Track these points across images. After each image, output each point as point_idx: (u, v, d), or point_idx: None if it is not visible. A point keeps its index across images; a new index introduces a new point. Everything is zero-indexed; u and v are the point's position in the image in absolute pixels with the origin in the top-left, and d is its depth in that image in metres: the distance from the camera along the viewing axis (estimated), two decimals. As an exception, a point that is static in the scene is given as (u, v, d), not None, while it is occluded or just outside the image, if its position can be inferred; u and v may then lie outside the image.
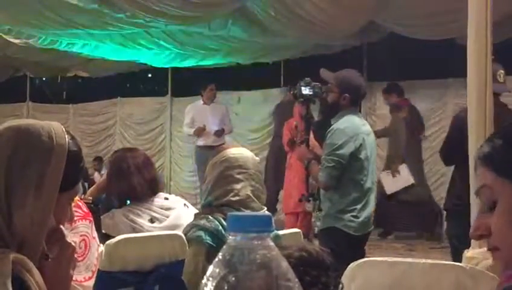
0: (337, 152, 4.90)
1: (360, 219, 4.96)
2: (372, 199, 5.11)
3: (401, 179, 9.68)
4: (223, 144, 9.02)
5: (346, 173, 4.93)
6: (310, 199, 5.26)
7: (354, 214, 4.94)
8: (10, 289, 1.44)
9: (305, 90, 5.46)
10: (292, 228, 5.01)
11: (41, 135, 1.68)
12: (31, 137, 1.67)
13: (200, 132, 10.62)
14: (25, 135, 1.67)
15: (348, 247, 4.75)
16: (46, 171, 1.64)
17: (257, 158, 3.42)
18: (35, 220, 1.60)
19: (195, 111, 10.92)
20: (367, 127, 5.19)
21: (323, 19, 9.05)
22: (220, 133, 10.60)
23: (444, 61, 10.62)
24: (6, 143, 1.65)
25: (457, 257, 4.75)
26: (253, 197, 3.21)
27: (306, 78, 5.53)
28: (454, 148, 5.01)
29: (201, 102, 10.92)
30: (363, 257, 2.84)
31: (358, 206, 4.96)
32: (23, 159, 1.63)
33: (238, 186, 3.19)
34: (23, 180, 1.62)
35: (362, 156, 4.95)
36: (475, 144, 3.28)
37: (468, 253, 3.30)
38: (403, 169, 9.72)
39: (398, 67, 12.04)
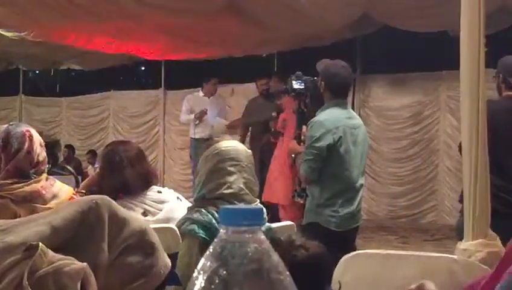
0: (315, 145, 4.86)
1: (341, 214, 4.87)
2: (359, 194, 5.02)
3: None
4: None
5: (326, 167, 4.88)
6: (303, 194, 5.21)
7: (334, 208, 4.86)
8: (79, 289, 1.55)
9: (296, 85, 5.44)
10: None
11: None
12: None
13: (202, 115, 10.57)
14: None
15: (331, 244, 4.69)
16: (153, 271, 1.81)
17: (249, 151, 3.42)
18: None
19: (194, 101, 10.87)
20: (354, 121, 5.10)
21: (316, 11, 9.03)
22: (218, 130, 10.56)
23: (438, 53, 10.63)
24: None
25: None
26: (246, 190, 3.21)
27: (297, 72, 5.50)
28: None
29: (201, 93, 10.88)
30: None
31: (339, 201, 4.88)
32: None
33: (230, 178, 3.20)
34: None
35: (342, 149, 4.87)
36: (468, 136, 3.28)
37: (461, 245, 3.31)
38: None
39: (391, 59, 12.05)
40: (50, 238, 1.65)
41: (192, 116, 10.70)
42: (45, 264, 1.53)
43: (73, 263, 1.56)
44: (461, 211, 5.19)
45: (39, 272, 1.52)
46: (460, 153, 5.43)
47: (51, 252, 1.57)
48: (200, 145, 10.13)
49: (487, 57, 3.37)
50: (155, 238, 1.86)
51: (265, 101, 10.21)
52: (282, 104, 9.48)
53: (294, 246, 2.01)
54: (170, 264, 1.87)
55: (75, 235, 1.70)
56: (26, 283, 1.48)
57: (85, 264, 1.57)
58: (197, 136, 10.65)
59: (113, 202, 1.81)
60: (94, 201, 1.75)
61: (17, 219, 1.88)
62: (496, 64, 5.09)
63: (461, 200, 5.30)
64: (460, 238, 5.03)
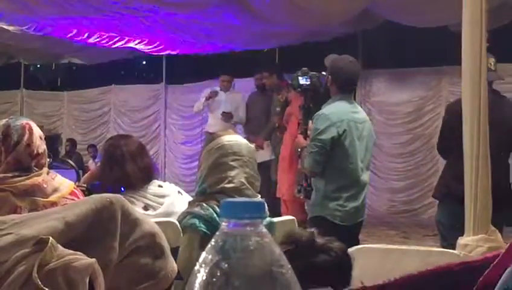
0: (319, 137, 4.88)
1: (347, 208, 4.90)
2: (364, 189, 5.04)
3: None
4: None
5: (330, 160, 4.90)
6: (309, 188, 5.23)
7: (340, 202, 4.89)
8: (87, 284, 1.55)
9: (302, 80, 5.46)
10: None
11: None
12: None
13: (212, 96, 10.62)
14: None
15: (337, 237, 4.71)
16: (162, 274, 1.81)
17: (252, 145, 3.42)
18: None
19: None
20: (360, 115, 5.13)
21: (318, 6, 9.02)
22: (227, 116, 10.54)
23: (439, 48, 10.62)
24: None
25: (444, 243, 4.83)
26: (247, 185, 3.21)
27: (303, 68, 5.52)
28: (446, 141, 5.07)
29: (219, 88, 10.93)
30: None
31: (345, 195, 4.90)
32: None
33: (232, 173, 3.20)
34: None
35: (346, 143, 4.89)
36: (469, 131, 3.28)
37: (461, 240, 3.30)
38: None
39: (393, 54, 12.04)
40: (62, 234, 1.66)
41: (203, 100, 10.73)
42: (55, 259, 1.55)
43: (82, 258, 1.57)
44: (439, 206, 5.26)
45: (48, 266, 1.53)
46: (440, 153, 5.50)
47: (60, 247, 1.59)
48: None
49: (489, 52, 3.37)
50: (165, 242, 1.87)
51: (261, 95, 10.29)
52: (283, 98, 9.52)
53: (315, 248, 1.99)
54: (176, 269, 1.88)
55: (87, 232, 1.71)
56: (36, 275, 1.49)
57: (94, 260, 1.58)
58: (210, 130, 10.63)
59: (127, 202, 1.82)
60: (108, 199, 1.77)
61: (31, 213, 1.90)
62: (498, 59, 5.10)
63: (435, 196, 5.38)
64: (442, 232, 5.11)
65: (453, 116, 4.93)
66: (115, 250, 1.70)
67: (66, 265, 1.54)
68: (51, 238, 1.57)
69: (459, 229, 4.29)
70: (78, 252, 1.59)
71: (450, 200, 4.92)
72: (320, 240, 2.02)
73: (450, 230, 4.81)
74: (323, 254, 1.97)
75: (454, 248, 3.08)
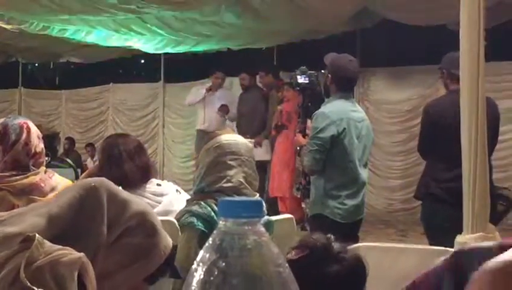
0: (319, 135, 4.89)
1: (347, 207, 4.91)
2: (363, 187, 5.06)
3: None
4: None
5: (330, 158, 4.91)
6: (308, 187, 5.24)
7: (340, 201, 4.90)
8: (75, 279, 1.52)
9: (301, 79, 5.47)
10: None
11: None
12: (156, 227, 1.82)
13: (213, 88, 10.69)
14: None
15: (337, 235, 4.71)
16: (154, 252, 1.78)
17: (250, 144, 3.42)
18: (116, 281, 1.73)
19: (201, 91, 10.98)
20: (359, 114, 5.14)
21: (316, 5, 9.02)
22: (223, 110, 10.57)
23: (437, 47, 10.62)
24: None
25: (431, 241, 4.87)
26: (246, 184, 3.21)
27: (302, 67, 5.53)
28: (425, 142, 5.13)
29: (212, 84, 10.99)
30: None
31: (344, 193, 4.92)
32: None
33: (230, 172, 3.19)
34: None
35: (346, 141, 4.90)
36: (467, 130, 3.28)
37: (459, 238, 3.31)
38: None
39: (391, 53, 12.03)
40: (47, 229, 1.65)
41: (203, 91, 10.77)
42: (42, 255, 1.53)
43: (70, 253, 1.56)
44: (421, 206, 5.28)
45: (36, 263, 1.52)
46: (420, 154, 5.52)
47: (47, 243, 1.57)
48: (203, 137, 10.10)
49: (487, 50, 3.37)
50: (156, 219, 1.84)
51: (248, 95, 10.37)
52: (281, 96, 9.54)
53: (330, 257, 1.97)
54: (171, 244, 1.86)
55: (73, 220, 1.69)
56: (23, 275, 1.47)
57: (82, 254, 1.56)
58: (202, 128, 10.66)
59: (113, 184, 1.78)
60: (92, 184, 1.74)
61: (16, 210, 1.88)
62: (496, 57, 5.12)
63: (416, 196, 5.40)
64: (426, 231, 5.15)
65: (431, 117, 4.99)
66: (103, 234, 1.68)
67: (53, 261, 1.52)
68: (37, 235, 1.56)
69: (440, 228, 4.33)
70: (67, 247, 1.58)
71: (429, 199, 4.97)
72: (336, 247, 2.01)
73: (432, 229, 4.87)
74: (337, 264, 1.95)
75: (440, 246, 3.09)
